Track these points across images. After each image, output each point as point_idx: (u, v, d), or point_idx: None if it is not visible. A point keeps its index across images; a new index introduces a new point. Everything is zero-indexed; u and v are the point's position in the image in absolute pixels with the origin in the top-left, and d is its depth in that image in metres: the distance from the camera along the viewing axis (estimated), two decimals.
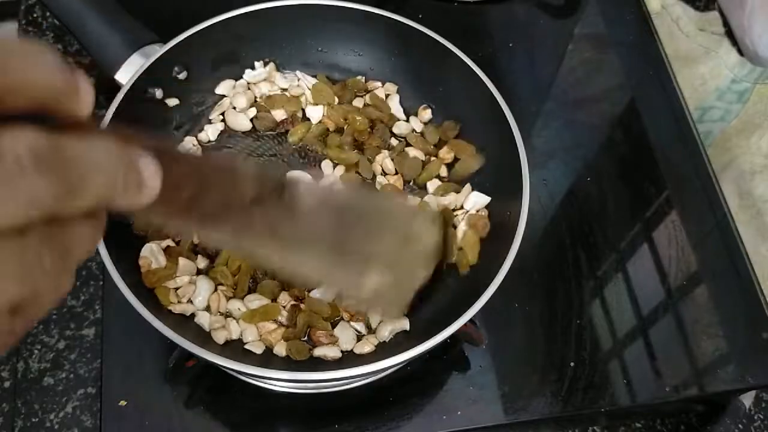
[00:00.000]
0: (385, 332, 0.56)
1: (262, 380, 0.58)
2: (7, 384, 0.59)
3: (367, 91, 0.69)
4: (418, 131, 0.67)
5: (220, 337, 0.55)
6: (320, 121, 0.67)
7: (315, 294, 0.57)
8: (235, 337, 0.55)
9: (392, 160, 0.65)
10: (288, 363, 0.54)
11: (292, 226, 0.37)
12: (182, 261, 0.57)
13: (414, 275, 0.49)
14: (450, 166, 0.66)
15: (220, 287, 0.57)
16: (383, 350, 0.56)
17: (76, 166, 0.21)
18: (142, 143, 0.25)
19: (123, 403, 0.56)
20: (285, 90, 0.68)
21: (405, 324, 0.57)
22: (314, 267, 0.43)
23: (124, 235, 0.56)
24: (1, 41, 0.21)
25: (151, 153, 0.25)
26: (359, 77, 0.69)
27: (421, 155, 0.65)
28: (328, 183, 0.51)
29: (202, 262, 0.58)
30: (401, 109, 0.68)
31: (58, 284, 0.23)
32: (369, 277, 0.46)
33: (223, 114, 0.67)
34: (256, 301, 0.57)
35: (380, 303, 0.49)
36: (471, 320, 0.51)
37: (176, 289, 0.56)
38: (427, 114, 0.68)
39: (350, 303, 0.55)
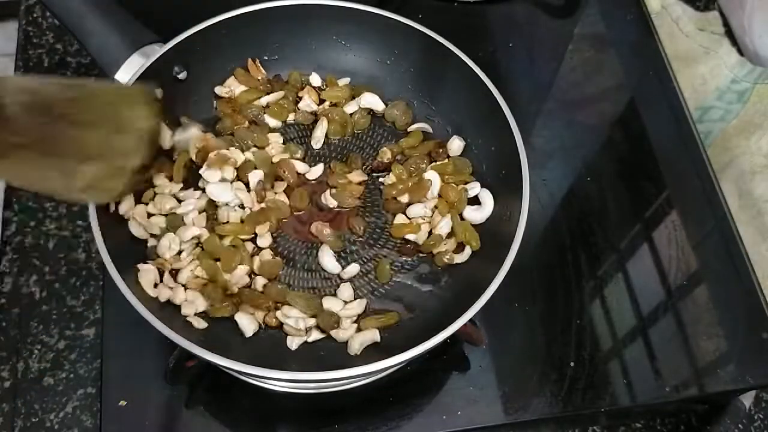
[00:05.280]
0: (356, 344, 0.55)
1: (262, 380, 0.58)
2: (7, 384, 0.59)
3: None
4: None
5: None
6: None
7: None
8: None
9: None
10: (289, 363, 0.54)
11: None
12: None
13: (128, 160, 0.51)
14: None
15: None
16: (383, 350, 0.56)
17: None
18: None
19: (123, 403, 0.56)
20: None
21: (375, 336, 0.56)
22: (24, 172, 0.43)
23: (124, 236, 0.56)
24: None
25: None
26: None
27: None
28: (31, 80, 0.51)
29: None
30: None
31: None
32: (82, 173, 0.47)
33: None
34: None
35: (93, 193, 0.50)
36: (471, 320, 0.51)
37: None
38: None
39: (64, 197, 0.55)
